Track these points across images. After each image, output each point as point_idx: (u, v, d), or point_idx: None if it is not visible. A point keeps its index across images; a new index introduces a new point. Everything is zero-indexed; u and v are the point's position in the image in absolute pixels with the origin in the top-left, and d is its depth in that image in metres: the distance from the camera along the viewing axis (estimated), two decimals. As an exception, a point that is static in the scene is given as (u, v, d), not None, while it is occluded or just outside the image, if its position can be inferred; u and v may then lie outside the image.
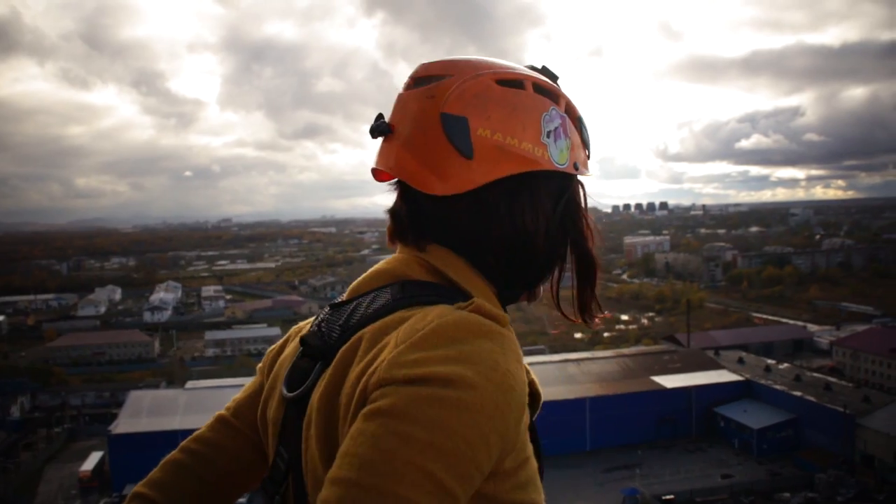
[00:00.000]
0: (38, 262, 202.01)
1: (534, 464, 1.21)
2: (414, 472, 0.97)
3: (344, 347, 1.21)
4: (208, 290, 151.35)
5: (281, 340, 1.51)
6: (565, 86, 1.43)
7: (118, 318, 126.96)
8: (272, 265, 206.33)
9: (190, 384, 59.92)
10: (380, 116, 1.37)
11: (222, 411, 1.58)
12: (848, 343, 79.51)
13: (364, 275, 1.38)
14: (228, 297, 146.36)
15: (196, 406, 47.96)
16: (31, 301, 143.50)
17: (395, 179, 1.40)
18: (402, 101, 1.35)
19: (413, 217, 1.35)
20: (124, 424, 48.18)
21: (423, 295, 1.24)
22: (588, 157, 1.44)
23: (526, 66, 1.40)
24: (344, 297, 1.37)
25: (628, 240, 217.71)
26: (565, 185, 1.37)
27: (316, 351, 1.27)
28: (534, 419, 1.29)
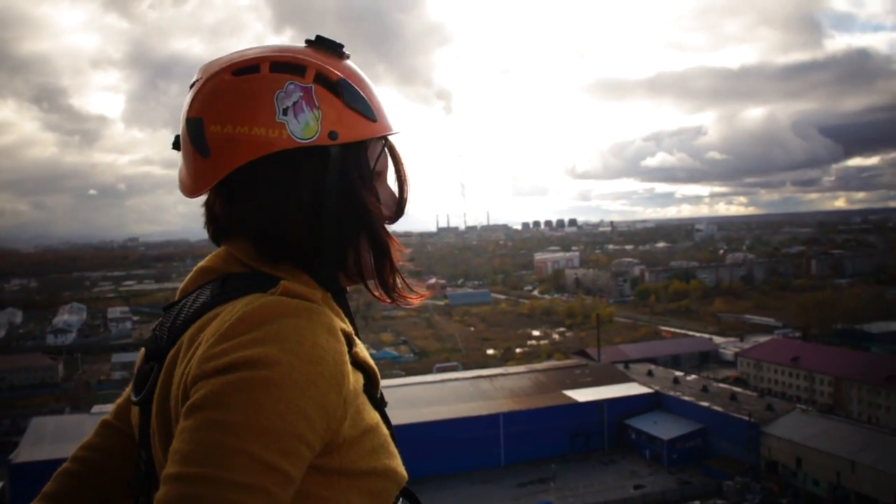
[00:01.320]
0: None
1: (383, 430, 1.25)
2: (236, 456, 0.99)
3: (171, 351, 1.25)
4: (115, 311, 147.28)
5: None
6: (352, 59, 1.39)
7: (19, 342, 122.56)
8: (181, 285, 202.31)
9: (96, 409, 58.05)
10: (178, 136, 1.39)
11: (106, 416, 1.62)
12: (751, 354, 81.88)
13: (189, 274, 1.43)
14: (136, 318, 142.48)
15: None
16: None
17: None
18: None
19: (206, 218, 1.42)
20: (25, 453, 46.40)
21: (241, 289, 1.26)
22: (374, 117, 1.35)
23: (305, 41, 1.39)
24: (176, 297, 1.42)
25: (538, 256, 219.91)
26: (324, 159, 1.30)
27: (151, 354, 1.31)
28: (376, 394, 1.30)
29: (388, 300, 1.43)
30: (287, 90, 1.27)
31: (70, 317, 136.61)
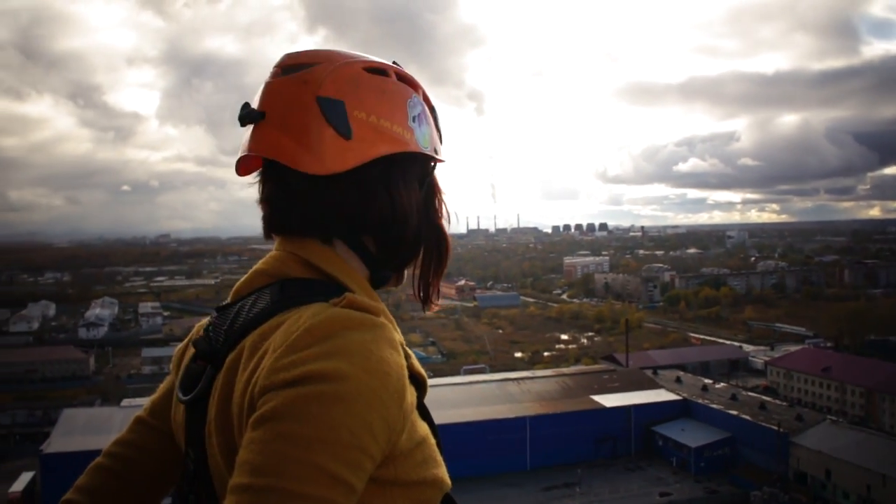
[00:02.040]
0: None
1: (431, 441, 1.27)
2: (304, 468, 1.02)
3: (230, 356, 1.26)
4: (146, 306, 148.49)
5: (186, 340, 1.53)
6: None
7: (52, 335, 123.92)
8: (211, 282, 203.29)
9: (125, 402, 58.69)
10: (246, 105, 1.39)
11: (140, 412, 1.63)
12: (781, 363, 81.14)
13: (245, 276, 1.42)
14: (166, 313, 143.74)
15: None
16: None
17: (258, 172, 1.44)
18: (271, 89, 1.37)
19: (290, 203, 1.37)
20: (57, 444, 46.96)
21: (301, 295, 1.28)
22: (442, 143, 1.50)
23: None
24: (229, 299, 1.41)
25: (568, 260, 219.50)
26: (428, 169, 1.45)
27: (204, 355, 1.32)
28: (423, 400, 1.31)
29: (423, 303, 1.52)
30: (413, 101, 1.41)
31: (102, 311, 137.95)
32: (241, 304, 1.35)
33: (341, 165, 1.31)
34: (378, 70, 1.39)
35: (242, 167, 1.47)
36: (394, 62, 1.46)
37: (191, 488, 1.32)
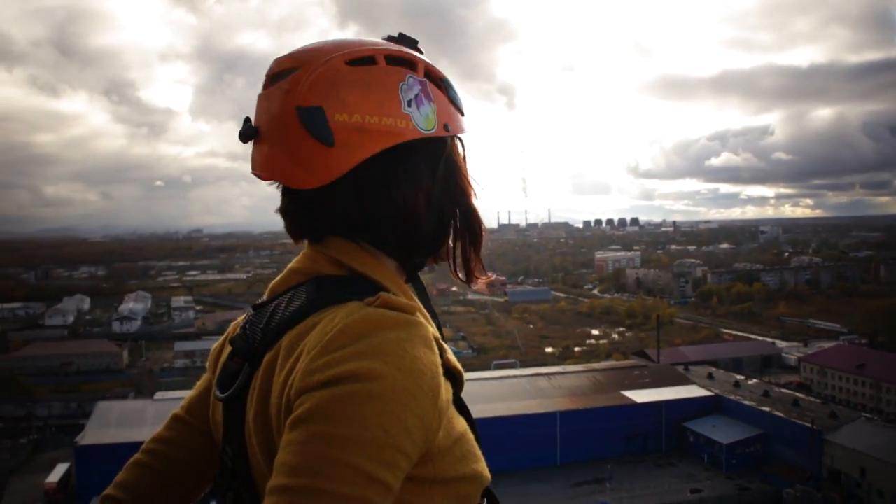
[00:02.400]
0: (6, 271, 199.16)
1: (469, 436, 1.27)
2: (341, 469, 1.02)
3: (268, 355, 1.27)
4: (178, 300, 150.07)
5: (222, 338, 1.55)
6: (431, 61, 1.43)
7: (86, 328, 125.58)
8: (243, 276, 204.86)
9: (158, 395, 59.23)
10: (247, 120, 1.38)
11: (177, 410, 1.63)
12: (815, 359, 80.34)
13: (281, 273, 1.42)
14: (199, 307, 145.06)
15: (164, 417, 45.29)
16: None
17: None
18: (261, 102, 1.35)
19: (302, 213, 1.37)
20: (91, 436, 47.50)
21: (336, 294, 1.28)
22: (462, 113, 1.46)
23: (382, 38, 1.43)
24: (265, 297, 1.41)
25: (599, 255, 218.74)
26: (439, 149, 1.39)
27: (241, 353, 1.32)
28: (460, 395, 1.31)
29: (466, 281, 1.51)
30: (408, 83, 1.34)
31: (135, 305, 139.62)
32: (278, 301, 1.35)
33: (327, 176, 1.28)
34: (362, 60, 1.32)
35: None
36: (399, 35, 1.45)
37: (229, 485, 1.33)
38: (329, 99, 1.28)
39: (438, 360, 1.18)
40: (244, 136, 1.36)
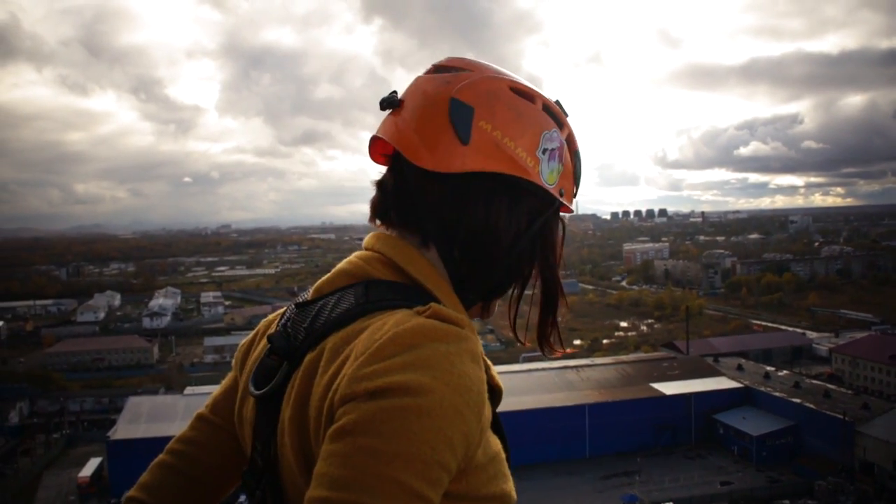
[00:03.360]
0: (38, 268, 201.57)
1: (502, 456, 1.26)
2: (386, 484, 1.01)
3: (310, 356, 1.24)
4: (207, 296, 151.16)
5: (251, 334, 1.54)
6: (570, 116, 1.42)
7: (117, 324, 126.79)
8: (271, 271, 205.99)
9: (188, 390, 59.78)
10: (393, 93, 1.42)
11: (202, 409, 1.62)
12: (847, 350, 79.46)
13: (329, 274, 1.40)
14: (227, 303, 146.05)
15: (194, 412, 47.63)
16: (30, 307, 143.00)
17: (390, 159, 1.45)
18: (418, 83, 1.40)
19: (398, 191, 1.38)
20: (123, 430, 48.10)
21: (386, 299, 1.27)
22: (575, 193, 1.48)
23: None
24: (309, 296, 1.39)
25: (627, 247, 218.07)
26: (546, 206, 1.40)
27: (281, 351, 1.30)
28: (496, 411, 1.30)
29: (540, 348, 1.52)
30: (551, 135, 1.38)
31: (165, 300, 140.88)
32: (323, 302, 1.33)
33: (447, 167, 1.30)
34: (524, 93, 1.37)
35: (375, 153, 1.47)
36: (557, 101, 1.45)
37: (258, 483, 1.31)
38: (482, 106, 1.32)
39: (484, 377, 1.16)
40: (387, 103, 1.40)
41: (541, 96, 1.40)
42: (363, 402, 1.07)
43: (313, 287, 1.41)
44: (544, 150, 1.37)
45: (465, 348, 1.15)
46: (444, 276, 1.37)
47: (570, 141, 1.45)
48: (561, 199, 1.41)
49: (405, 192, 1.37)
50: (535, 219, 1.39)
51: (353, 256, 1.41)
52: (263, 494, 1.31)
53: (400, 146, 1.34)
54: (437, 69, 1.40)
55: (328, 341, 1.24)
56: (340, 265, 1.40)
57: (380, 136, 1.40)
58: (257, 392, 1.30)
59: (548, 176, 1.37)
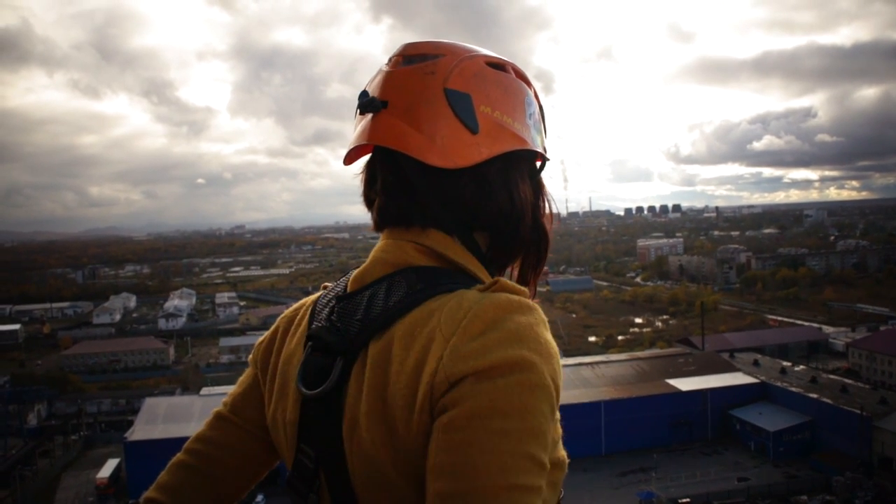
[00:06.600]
0: (54, 271, 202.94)
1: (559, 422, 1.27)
2: (522, 461, 1.03)
3: (375, 346, 1.21)
4: (222, 296, 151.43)
5: (269, 332, 1.51)
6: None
7: (133, 326, 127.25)
8: (286, 271, 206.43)
9: (205, 390, 60.11)
10: (364, 94, 1.36)
11: (220, 408, 1.59)
12: (863, 345, 78.97)
13: (365, 264, 1.37)
14: (242, 303, 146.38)
15: (212, 411, 47.84)
16: (47, 309, 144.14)
17: (364, 163, 1.45)
18: (393, 78, 1.34)
19: (410, 194, 1.34)
20: (140, 431, 48.32)
21: (443, 283, 1.25)
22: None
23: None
24: (349, 288, 1.36)
25: (641, 242, 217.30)
26: (535, 166, 1.45)
27: (333, 347, 1.26)
28: None
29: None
30: (530, 99, 1.41)
31: (180, 302, 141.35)
32: (370, 292, 1.30)
33: (468, 160, 1.29)
34: (498, 65, 1.38)
35: (348, 156, 1.44)
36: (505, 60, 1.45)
37: (310, 488, 1.27)
38: (475, 90, 1.31)
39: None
40: (370, 107, 1.33)
41: (509, 63, 1.41)
42: (476, 383, 1.07)
43: (350, 279, 1.38)
44: (530, 115, 1.39)
45: (540, 318, 1.17)
46: (474, 257, 1.36)
47: (536, 97, 1.45)
48: (546, 157, 1.45)
49: (416, 192, 1.33)
50: (537, 183, 1.44)
51: (385, 245, 1.37)
52: (318, 497, 1.27)
53: (409, 150, 1.29)
54: (407, 59, 1.35)
55: (396, 329, 1.21)
56: (375, 255, 1.36)
57: (377, 143, 1.33)
58: (311, 392, 1.25)
59: (536, 140, 1.40)
